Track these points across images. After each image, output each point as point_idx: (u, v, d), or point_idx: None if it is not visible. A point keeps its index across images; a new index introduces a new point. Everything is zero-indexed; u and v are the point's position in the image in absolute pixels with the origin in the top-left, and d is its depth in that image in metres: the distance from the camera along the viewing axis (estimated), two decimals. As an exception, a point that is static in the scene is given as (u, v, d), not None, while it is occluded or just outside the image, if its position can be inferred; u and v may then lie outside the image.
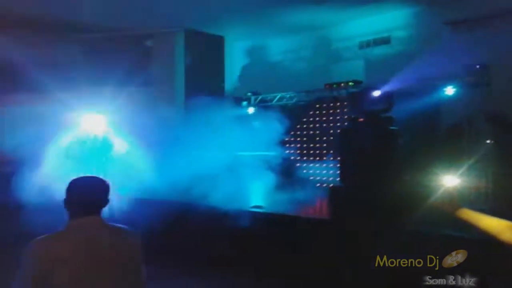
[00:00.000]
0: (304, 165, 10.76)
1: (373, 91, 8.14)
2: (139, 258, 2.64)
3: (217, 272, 7.36)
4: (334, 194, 7.69)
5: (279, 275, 6.97)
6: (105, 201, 2.63)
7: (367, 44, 11.48)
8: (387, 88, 8.04)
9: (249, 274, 7.14)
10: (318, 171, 10.52)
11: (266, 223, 7.89)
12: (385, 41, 11.18)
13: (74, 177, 2.62)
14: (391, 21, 11.04)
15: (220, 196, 8.17)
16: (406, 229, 6.34)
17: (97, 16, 10.90)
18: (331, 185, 8.78)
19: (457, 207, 2.33)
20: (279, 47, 13.04)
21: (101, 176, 2.73)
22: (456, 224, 2.54)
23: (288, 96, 11.04)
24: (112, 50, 12.02)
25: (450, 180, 2.37)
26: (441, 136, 8.94)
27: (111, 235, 2.57)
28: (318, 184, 10.12)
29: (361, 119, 7.67)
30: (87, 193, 2.58)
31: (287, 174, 10.36)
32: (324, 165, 10.37)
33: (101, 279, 2.43)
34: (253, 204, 8.87)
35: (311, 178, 10.50)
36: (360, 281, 6.42)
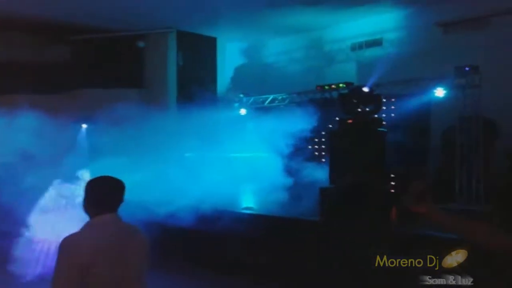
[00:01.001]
0: (297, 166, 10.73)
1: (362, 91, 8.17)
2: (147, 256, 2.84)
3: (212, 274, 7.34)
4: (324, 195, 7.69)
5: (274, 277, 6.96)
6: (122, 199, 2.81)
7: (359, 46, 11.49)
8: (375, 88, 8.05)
9: (246, 277, 7.12)
10: (310, 172, 10.49)
11: (257, 225, 7.87)
12: (377, 43, 11.19)
13: (92, 178, 2.82)
14: (383, 23, 11.07)
15: (212, 197, 8.16)
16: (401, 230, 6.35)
17: (89, 18, 10.89)
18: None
19: (429, 208, 2.29)
20: (272, 48, 13.05)
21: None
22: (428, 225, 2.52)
23: (280, 97, 11.03)
24: (104, 51, 12.02)
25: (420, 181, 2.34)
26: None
27: (129, 232, 2.80)
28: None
29: (350, 121, 7.67)
30: (106, 192, 2.76)
31: (279, 175, 10.37)
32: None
33: (127, 269, 2.66)
34: (244, 206, 8.86)
35: (304, 179, 10.47)
36: (359, 282, 6.42)
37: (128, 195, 2.95)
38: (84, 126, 10.93)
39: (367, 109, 7.67)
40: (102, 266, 2.53)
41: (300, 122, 10.57)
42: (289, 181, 10.30)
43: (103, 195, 2.73)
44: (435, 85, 8.50)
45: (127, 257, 2.67)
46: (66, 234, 2.65)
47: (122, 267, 2.63)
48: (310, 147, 10.23)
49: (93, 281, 2.51)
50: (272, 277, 6.95)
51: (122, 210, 2.85)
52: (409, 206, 2.29)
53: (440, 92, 8.46)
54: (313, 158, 10.18)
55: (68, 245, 2.55)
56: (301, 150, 9.90)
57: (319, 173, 8.88)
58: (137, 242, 2.79)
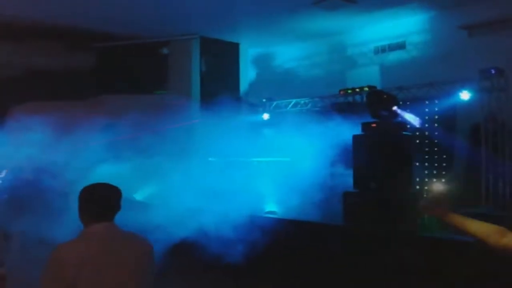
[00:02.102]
0: (319, 171, 10.71)
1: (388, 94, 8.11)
2: (147, 264, 2.72)
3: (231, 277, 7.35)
4: (347, 199, 7.67)
5: (295, 283, 6.96)
6: (118, 207, 2.71)
7: (382, 50, 11.43)
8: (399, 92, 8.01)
9: (266, 282, 7.12)
10: (334, 177, 10.47)
11: (280, 229, 7.88)
12: (401, 46, 11.12)
13: (86, 185, 2.70)
14: (406, 26, 10.99)
15: (235, 202, 8.20)
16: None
17: (113, 25, 11.09)
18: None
19: (445, 211, 2.31)
20: (294, 53, 13.07)
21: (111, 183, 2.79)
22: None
23: (302, 102, 11.06)
24: (128, 58, 12.22)
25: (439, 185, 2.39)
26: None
27: (124, 240, 2.68)
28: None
29: (374, 125, 7.65)
30: (101, 200, 2.66)
31: (302, 180, 10.38)
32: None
33: (119, 280, 2.53)
34: (267, 210, 8.89)
35: (328, 183, 10.45)
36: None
37: (155, 200, 2.98)
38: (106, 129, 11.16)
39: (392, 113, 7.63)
40: (88, 278, 2.43)
41: (323, 127, 10.60)
42: (313, 185, 10.32)
43: (97, 203, 2.64)
44: (460, 88, 8.43)
45: (121, 267, 2.56)
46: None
47: (114, 277, 2.52)
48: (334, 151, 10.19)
49: None
50: (293, 281, 6.95)
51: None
52: (426, 208, 2.32)
53: (465, 95, 8.38)
54: (338, 163, 10.18)
55: (54, 258, 2.48)
56: (325, 155, 9.91)
57: (344, 178, 8.84)
58: (134, 251, 2.66)
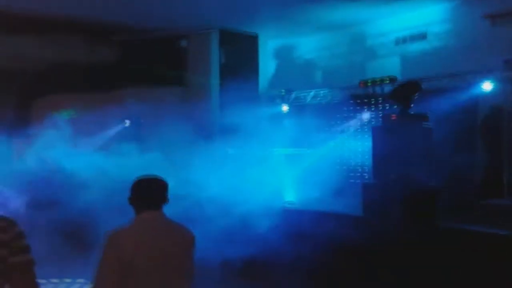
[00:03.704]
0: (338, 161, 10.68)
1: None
2: (190, 252, 2.99)
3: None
4: (366, 190, 7.64)
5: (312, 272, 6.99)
6: (166, 198, 3.00)
7: (403, 40, 11.28)
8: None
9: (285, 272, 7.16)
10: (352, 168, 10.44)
11: (298, 219, 7.91)
12: (422, 36, 10.95)
13: (138, 177, 3.00)
14: (427, 16, 10.82)
15: (252, 194, 8.25)
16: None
17: (133, 18, 11.18)
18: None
19: None
20: (314, 44, 12.98)
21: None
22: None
23: (322, 93, 11.01)
24: (148, 51, 12.32)
25: None
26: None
27: (172, 228, 2.98)
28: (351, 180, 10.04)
29: (394, 116, 7.59)
30: (151, 191, 2.96)
31: (322, 171, 10.38)
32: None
33: (167, 264, 2.81)
34: (285, 201, 8.93)
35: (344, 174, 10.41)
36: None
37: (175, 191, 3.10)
38: (127, 122, 11.34)
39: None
40: (142, 260, 2.71)
41: (343, 118, 10.55)
42: (333, 176, 10.31)
43: (148, 194, 2.94)
44: (482, 79, 8.29)
45: (168, 253, 2.83)
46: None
47: (162, 261, 2.79)
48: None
49: (135, 274, 2.69)
50: (311, 272, 6.98)
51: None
52: None
53: (487, 86, 8.23)
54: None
55: (112, 239, 2.76)
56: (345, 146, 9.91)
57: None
58: (180, 239, 2.95)
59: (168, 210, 3.05)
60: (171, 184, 3.08)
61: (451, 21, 10.47)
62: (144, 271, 2.71)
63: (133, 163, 8.90)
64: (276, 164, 9.45)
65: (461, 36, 10.08)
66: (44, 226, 7.49)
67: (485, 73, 8.28)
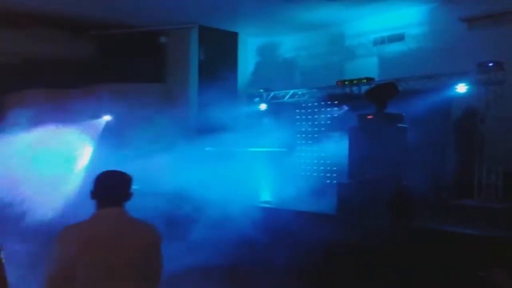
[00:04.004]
0: (315, 161, 10.73)
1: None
2: (152, 252, 2.81)
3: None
4: (341, 190, 7.69)
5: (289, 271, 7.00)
6: (127, 193, 2.85)
7: (381, 41, 11.38)
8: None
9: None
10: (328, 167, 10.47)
11: (273, 219, 7.92)
12: (400, 38, 11.06)
13: (100, 171, 2.86)
14: (405, 18, 10.92)
15: (229, 192, 8.23)
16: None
17: (111, 13, 11.04)
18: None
19: None
20: (293, 43, 13.01)
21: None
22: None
23: (300, 92, 11.04)
24: (126, 47, 12.18)
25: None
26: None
27: (132, 226, 2.81)
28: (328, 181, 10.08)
29: (370, 116, 7.65)
30: (111, 186, 2.82)
31: (298, 170, 10.41)
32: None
33: (120, 262, 2.64)
34: (262, 200, 8.93)
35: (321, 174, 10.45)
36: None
37: (144, 186, 3.00)
38: (106, 118, 11.13)
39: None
40: (91, 258, 2.57)
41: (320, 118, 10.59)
42: (308, 175, 10.34)
43: (107, 188, 2.79)
44: (457, 81, 8.39)
45: (124, 250, 2.66)
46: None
47: (116, 258, 2.63)
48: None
49: (82, 271, 2.55)
50: (288, 271, 6.99)
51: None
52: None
53: (462, 88, 8.34)
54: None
55: (61, 235, 2.64)
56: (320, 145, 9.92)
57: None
58: (140, 238, 2.76)
59: (136, 206, 2.94)
60: (144, 181, 2.97)
61: (428, 24, 10.59)
62: (93, 269, 2.57)
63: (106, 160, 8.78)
64: (253, 163, 9.43)
65: (438, 38, 10.21)
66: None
67: (460, 75, 8.39)
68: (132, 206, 2.89)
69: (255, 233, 7.59)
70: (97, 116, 10.95)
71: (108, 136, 10.76)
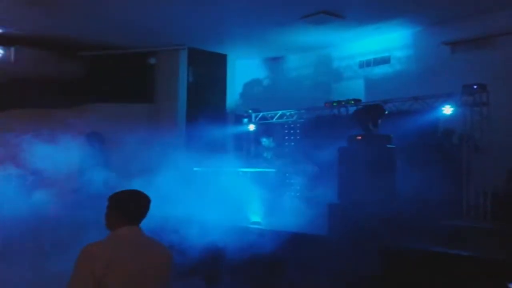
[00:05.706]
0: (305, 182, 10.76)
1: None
2: (167, 270, 2.89)
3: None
4: (331, 211, 7.72)
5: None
6: (146, 213, 2.89)
7: (367, 64, 11.61)
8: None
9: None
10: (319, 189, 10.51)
11: (265, 240, 7.89)
12: (385, 60, 11.31)
13: (118, 191, 2.87)
14: (391, 41, 11.19)
15: (220, 213, 8.20)
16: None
17: (101, 35, 11.09)
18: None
19: None
20: (281, 65, 13.19)
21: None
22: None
23: (288, 113, 11.15)
24: (115, 68, 12.20)
25: None
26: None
27: (149, 246, 2.85)
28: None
29: (359, 137, 7.75)
30: (141, 206, 2.85)
31: (286, 190, 10.43)
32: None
33: (146, 281, 2.72)
34: (252, 221, 8.91)
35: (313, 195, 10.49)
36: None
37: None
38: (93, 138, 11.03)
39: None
40: (115, 278, 2.58)
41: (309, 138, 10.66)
42: (297, 196, 10.36)
43: (128, 208, 2.80)
44: (442, 103, 8.59)
45: (145, 270, 2.71)
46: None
47: (138, 279, 2.68)
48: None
49: None
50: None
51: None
52: None
53: (447, 110, 8.53)
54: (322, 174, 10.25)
55: (85, 253, 2.62)
56: (309, 166, 9.98)
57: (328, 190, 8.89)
58: (157, 256, 2.82)
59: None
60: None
61: (413, 47, 10.86)
62: None
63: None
64: (242, 183, 9.44)
65: (423, 61, 10.47)
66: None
67: (445, 97, 8.59)
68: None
69: (240, 254, 7.58)
70: (85, 136, 10.87)
71: (95, 156, 10.68)
